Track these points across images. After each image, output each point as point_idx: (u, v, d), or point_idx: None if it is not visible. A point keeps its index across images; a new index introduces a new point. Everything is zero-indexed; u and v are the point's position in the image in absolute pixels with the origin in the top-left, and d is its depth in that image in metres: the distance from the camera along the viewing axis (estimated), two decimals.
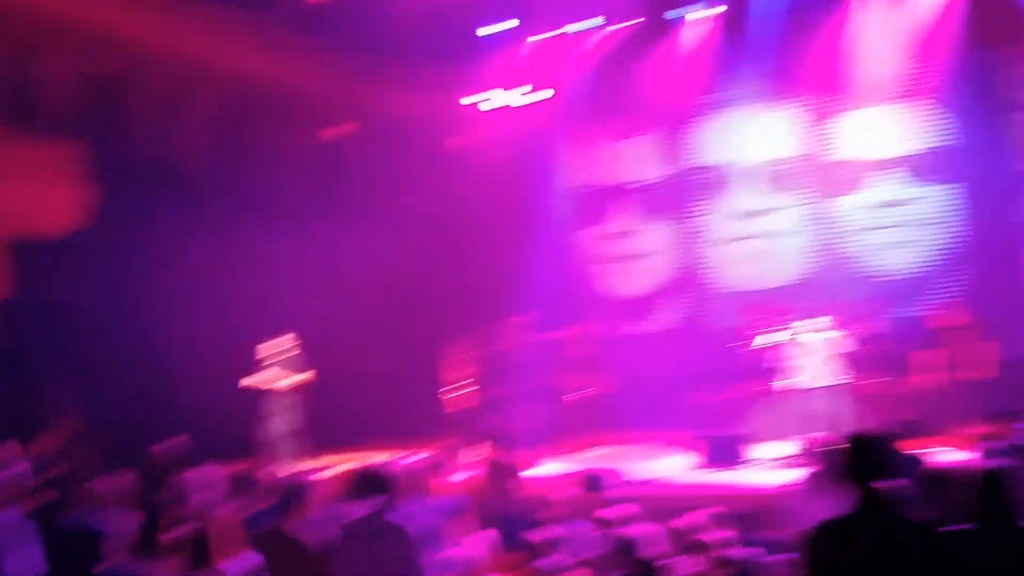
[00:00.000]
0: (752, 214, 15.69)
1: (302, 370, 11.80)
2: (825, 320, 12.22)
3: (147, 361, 13.30)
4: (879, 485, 3.65)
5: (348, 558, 5.24)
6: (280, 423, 11.69)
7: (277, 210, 14.72)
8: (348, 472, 6.81)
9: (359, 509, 5.70)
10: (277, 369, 11.77)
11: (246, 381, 11.65)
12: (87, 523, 4.99)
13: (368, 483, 5.45)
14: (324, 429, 13.77)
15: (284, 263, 14.65)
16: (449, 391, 13.02)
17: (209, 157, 14.27)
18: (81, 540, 4.82)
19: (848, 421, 10.67)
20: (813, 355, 11.52)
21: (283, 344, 11.82)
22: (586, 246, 16.79)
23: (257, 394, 11.77)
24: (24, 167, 12.64)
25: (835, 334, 11.87)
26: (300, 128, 15.42)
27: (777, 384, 11.50)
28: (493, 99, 15.97)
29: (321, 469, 8.95)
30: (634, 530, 6.63)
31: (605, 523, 6.91)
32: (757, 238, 15.67)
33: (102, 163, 13.34)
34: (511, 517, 8.12)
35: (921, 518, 3.76)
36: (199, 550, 5.14)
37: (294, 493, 5.65)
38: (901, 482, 3.75)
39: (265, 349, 11.83)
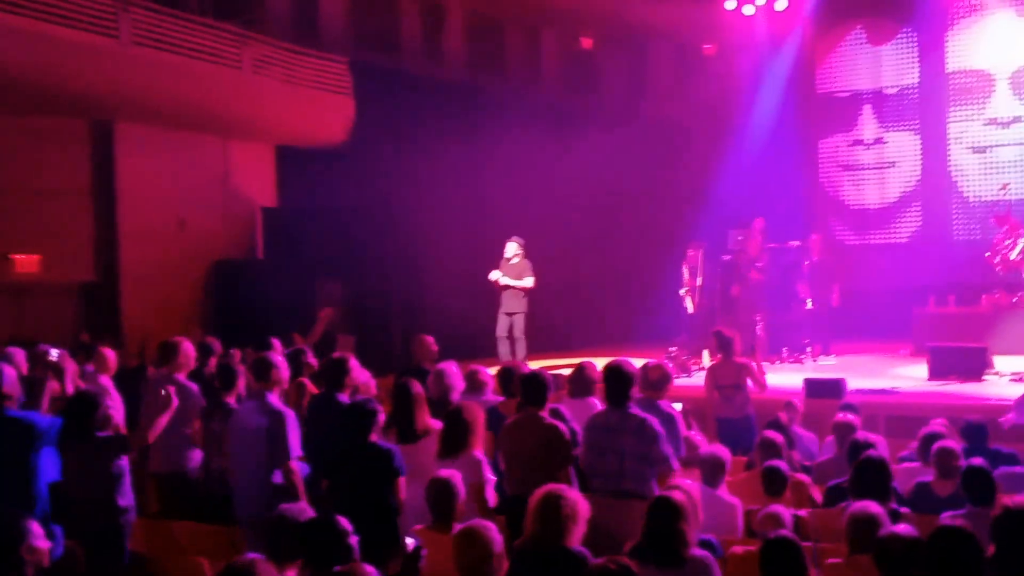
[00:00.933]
0: (1011, 122, 14.98)
1: (534, 273, 12.09)
2: None
3: (403, 262, 14.19)
4: None
5: (598, 448, 5.71)
6: (512, 323, 12.07)
7: (529, 117, 15.22)
8: (589, 369, 7.21)
9: (599, 406, 6.16)
10: (514, 269, 12.08)
11: (492, 276, 12.02)
12: (361, 402, 5.79)
13: (613, 380, 5.76)
14: (551, 332, 14.57)
15: (532, 170, 15.25)
16: (683, 295, 13.24)
17: (466, 67, 14.92)
18: (357, 415, 5.61)
19: None
20: None
21: (518, 247, 12.13)
22: (833, 153, 16.52)
23: (496, 292, 12.18)
24: (299, 78, 13.57)
25: None
26: (552, 37, 15.76)
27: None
28: (755, 2, 15.60)
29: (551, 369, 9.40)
30: (863, 437, 6.82)
31: (837, 429, 7.07)
32: (1011, 146, 14.99)
33: (369, 76, 14.16)
34: (740, 421, 8.48)
35: None
36: (458, 437, 5.67)
37: (537, 387, 5.98)
38: None
39: (508, 250, 12.15)
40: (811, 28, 15.95)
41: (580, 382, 7.06)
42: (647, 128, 16.17)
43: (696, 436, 7.14)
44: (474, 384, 7.41)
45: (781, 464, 6.21)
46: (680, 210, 15.76)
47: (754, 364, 8.94)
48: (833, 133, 16.48)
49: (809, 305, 13.30)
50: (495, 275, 12.04)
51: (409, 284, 14.26)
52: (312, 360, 7.88)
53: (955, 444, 6.32)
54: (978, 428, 6.96)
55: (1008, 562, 3.95)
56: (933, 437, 6.51)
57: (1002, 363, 11.20)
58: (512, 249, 12.10)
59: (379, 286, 13.94)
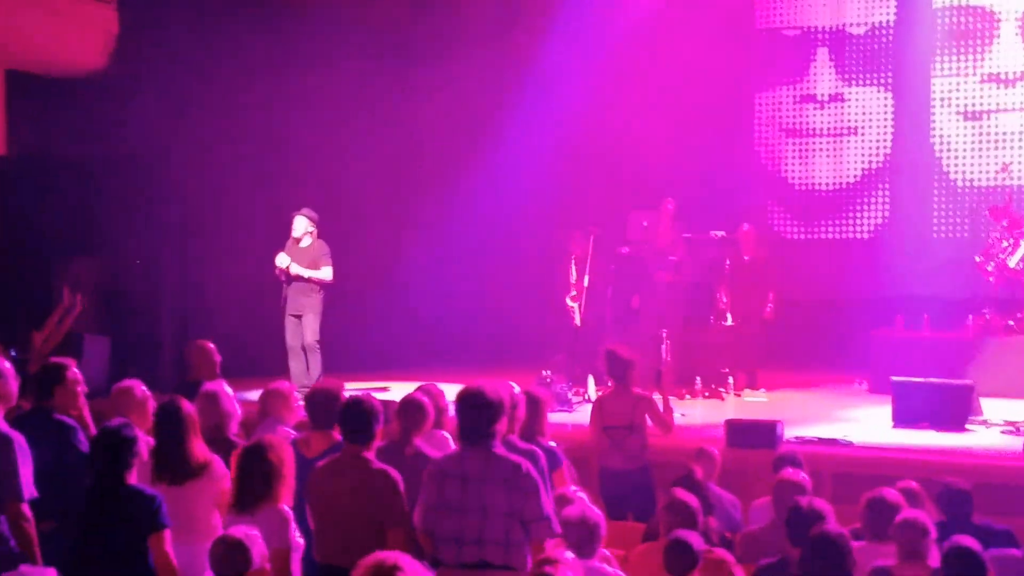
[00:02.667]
0: (1018, 79, 15.52)
1: (332, 261, 12.34)
2: None
3: (182, 235, 14.26)
4: None
5: (450, 504, 5.77)
6: (303, 328, 12.31)
7: (364, 42, 15.47)
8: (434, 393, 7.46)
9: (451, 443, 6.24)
10: (307, 255, 12.31)
11: (279, 260, 12.28)
12: (113, 428, 5.95)
13: (470, 408, 5.84)
14: (376, 343, 14.76)
15: (363, 115, 15.45)
16: (568, 300, 13.38)
17: None
18: (105, 445, 5.92)
19: None
20: None
21: (308, 222, 12.35)
22: (775, 112, 16.86)
23: (281, 284, 12.38)
24: None
25: None
26: None
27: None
28: None
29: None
30: (808, 501, 6.85)
31: (778, 491, 7.18)
32: (1016, 112, 15.53)
33: None
34: (634, 473, 8.66)
35: None
36: (258, 483, 5.89)
37: (361, 416, 6.17)
38: None
39: (296, 227, 12.36)
40: None
41: (419, 411, 7.12)
42: (519, 64, 16.12)
43: (572, 492, 7.08)
44: (274, 410, 7.71)
45: (692, 536, 6.22)
46: (564, 181, 15.88)
47: (657, 397, 9.21)
48: (776, 85, 16.80)
49: (729, 321, 13.62)
50: (282, 260, 12.30)
51: (188, 267, 14.36)
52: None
53: (923, 515, 6.41)
54: (960, 495, 7.10)
55: None
56: (886, 505, 6.60)
57: (992, 407, 11.55)
58: (302, 226, 12.35)
59: (145, 269, 13.99)
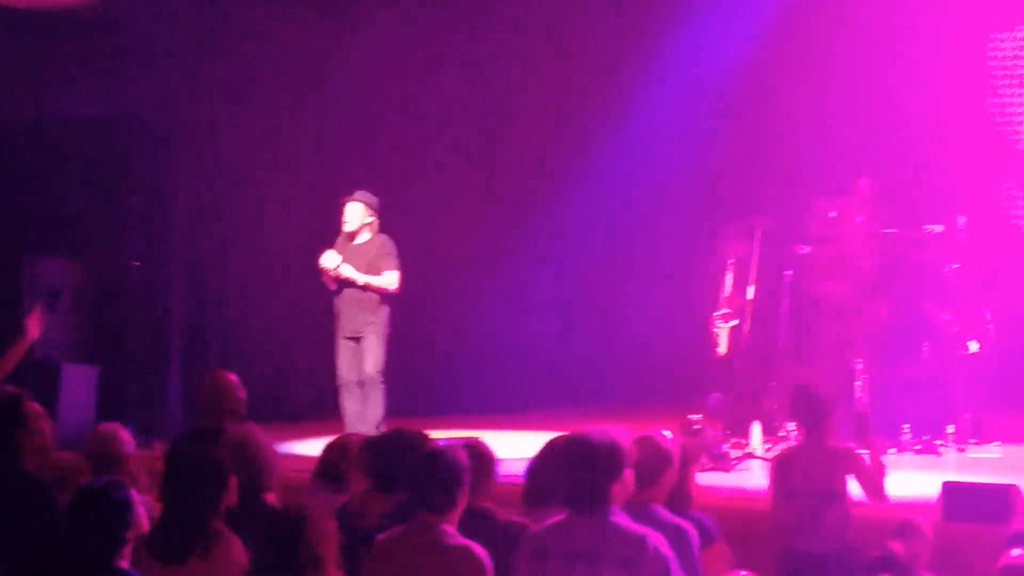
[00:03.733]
0: None
1: (400, 265, 12.36)
2: None
3: (196, 229, 14.49)
4: None
5: None
6: (363, 354, 12.34)
7: None
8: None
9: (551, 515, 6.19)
10: (364, 253, 12.36)
11: (326, 260, 12.28)
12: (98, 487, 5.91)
13: (579, 464, 5.87)
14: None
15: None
16: (718, 321, 13.41)
17: None
18: (86, 514, 5.83)
19: None
20: None
21: (367, 210, 12.37)
22: (1013, 63, 16.83)
23: (330, 294, 12.46)
24: None
25: None
26: None
27: None
28: None
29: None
30: None
31: None
32: None
33: None
34: (818, 553, 8.62)
35: None
36: (294, 558, 5.85)
37: (441, 475, 6.21)
38: None
39: (349, 216, 12.38)
40: None
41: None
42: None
43: None
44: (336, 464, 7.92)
45: None
46: (717, 159, 16.07)
47: (865, 454, 9.15)
48: (1018, 25, 16.72)
49: (975, 348, 13.56)
50: (330, 260, 12.26)
51: (202, 273, 14.53)
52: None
53: None
54: None
55: None
56: None
57: None
58: (357, 216, 12.36)
59: (146, 273, 13.86)
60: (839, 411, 9.33)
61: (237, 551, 6.39)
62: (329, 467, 8.07)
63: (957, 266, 13.61)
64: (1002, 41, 16.86)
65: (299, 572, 5.77)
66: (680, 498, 7.52)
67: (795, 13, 16.22)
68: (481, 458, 7.43)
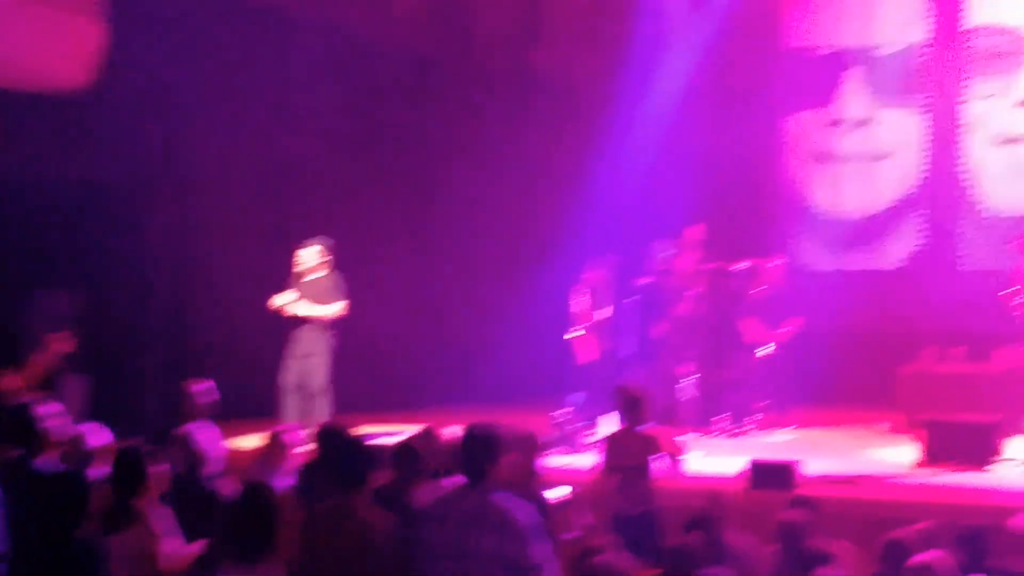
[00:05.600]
0: None
1: (347, 295, 12.08)
2: None
3: (170, 266, 13.93)
4: None
5: (440, 549, 5.74)
6: (310, 370, 12.08)
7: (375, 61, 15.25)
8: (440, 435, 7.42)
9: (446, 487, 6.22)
10: (315, 289, 12.07)
11: (279, 300, 12.01)
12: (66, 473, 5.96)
13: (470, 447, 5.80)
14: (380, 384, 14.61)
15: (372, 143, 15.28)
16: (574, 333, 13.52)
17: None
18: (54, 493, 5.75)
19: None
20: None
21: (320, 253, 12.10)
22: (803, 137, 17.11)
23: (284, 323, 12.16)
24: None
25: None
26: None
27: None
28: None
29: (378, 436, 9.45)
30: (812, 544, 7.08)
31: (786, 532, 7.36)
32: None
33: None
34: (631, 515, 8.67)
35: None
36: (254, 535, 5.52)
37: (354, 461, 6.17)
38: None
39: (303, 259, 12.09)
40: None
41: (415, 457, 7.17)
42: (538, 87, 16.30)
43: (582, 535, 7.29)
44: (275, 452, 7.76)
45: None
46: (579, 210, 15.92)
47: (668, 437, 9.21)
48: (803, 108, 17.04)
49: (770, 348, 13.80)
50: (284, 298, 12.00)
51: (177, 300, 14.06)
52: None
53: (940, 558, 6.59)
54: (976, 536, 7.31)
55: None
56: (905, 547, 6.77)
57: (1017, 446, 11.74)
58: (310, 258, 12.06)
59: (130, 302, 13.63)
60: (660, 405, 9.45)
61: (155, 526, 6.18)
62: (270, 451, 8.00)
63: (770, 291, 13.79)
64: (796, 121, 17.11)
65: (256, 545, 5.52)
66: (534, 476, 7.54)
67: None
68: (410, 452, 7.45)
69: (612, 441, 9.18)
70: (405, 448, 7.07)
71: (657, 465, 8.91)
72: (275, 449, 7.91)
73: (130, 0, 13.44)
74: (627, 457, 8.89)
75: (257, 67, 14.22)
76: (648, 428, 9.03)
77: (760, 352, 13.77)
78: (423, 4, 16.15)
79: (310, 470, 7.49)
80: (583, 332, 13.52)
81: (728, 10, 16.49)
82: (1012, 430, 11.94)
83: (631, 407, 9.02)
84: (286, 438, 8.02)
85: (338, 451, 6.38)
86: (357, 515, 6.02)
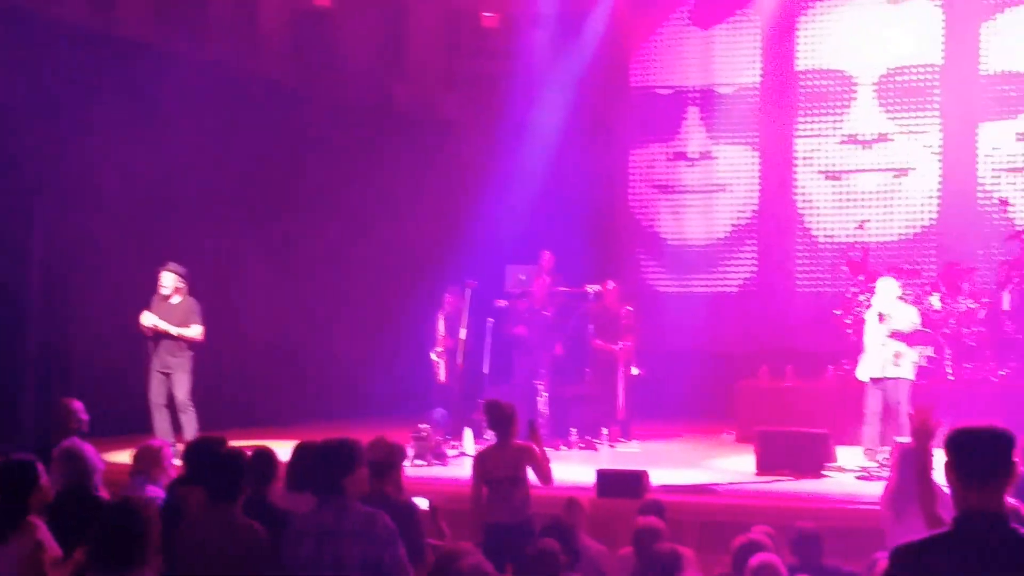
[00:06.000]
0: (874, 141, 16.24)
1: (203, 319, 11.97)
2: (937, 291, 13.35)
3: (45, 281, 13.52)
4: (986, 494, 3.97)
5: (308, 561, 5.72)
6: (172, 385, 11.92)
7: (240, 92, 15.04)
8: (303, 449, 7.29)
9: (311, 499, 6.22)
10: (176, 312, 11.94)
11: (144, 320, 11.82)
12: None
13: (325, 461, 5.85)
14: (248, 401, 14.43)
15: (242, 165, 15.04)
16: (433, 355, 13.60)
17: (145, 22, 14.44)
18: None
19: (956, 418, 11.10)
20: (911, 332, 12.00)
21: (177, 279, 11.98)
22: (648, 170, 17.35)
23: (149, 340, 11.97)
24: None
25: (939, 305, 13.13)
26: None
27: (873, 369, 11.93)
28: None
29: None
30: (664, 547, 7.16)
31: (637, 538, 7.40)
32: (873, 172, 16.22)
33: None
34: (508, 524, 8.52)
35: None
36: (123, 546, 5.37)
37: (230, 471, 6.06)
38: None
39: (163, 283, 11.93)
40: (626, 3, 16.72)
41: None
42: (400, 119, 16.31)
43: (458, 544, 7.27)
44: (147, 466, 7.47)
45: None
46: (440, 237, 16.03)
47: (536, 449, 9.13)
48: (649, 143, 17.31)
49: (635, 371, 13.91)
50: (148, 319, 11.86)
51: (52, 319, 13.66)
52: None
53: (779, 558, 6.74)
54: (811, 538, 7.37)
55: None
56: (749, 548, 6.91)
57: (847, 455, 11.98)
58: (169, 282, 11.96)
59: (5, 320, 13.14)
60: (522, 419, 9.51)
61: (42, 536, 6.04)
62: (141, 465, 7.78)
63: (613, 312, 13.83)
64: (643, 155, 17.39)
65: (127, 554, 5.37)
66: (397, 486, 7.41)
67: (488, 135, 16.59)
68: (266, 459, 7.52)
69: (486, 454, 9.17)
70: (260, 455, 6.94)
71: (530, 475, 8.83)
72: (145, 463, 7.67)
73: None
74: (502, 468, 8.75)
75: (132, 95, 13.89)
76: (520, 441, 9.06)
77: (610, 370, 13.81)
78: (289, 38, 16.03)
79: (181, 483, 7.34)
80: (444, 352, 13.54)
81: (583, 52, 16.72)
82: (839, 441, 12.22)
83: (504, 422, 8.93)
84: (156, 453, 7.78)
85: (209, 465, 6.22)
86: (231, 526, 5.93)
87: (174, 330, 11.84)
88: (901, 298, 12.21)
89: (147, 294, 12.16)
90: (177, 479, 7.66)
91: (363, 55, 16.38)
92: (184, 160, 14.26)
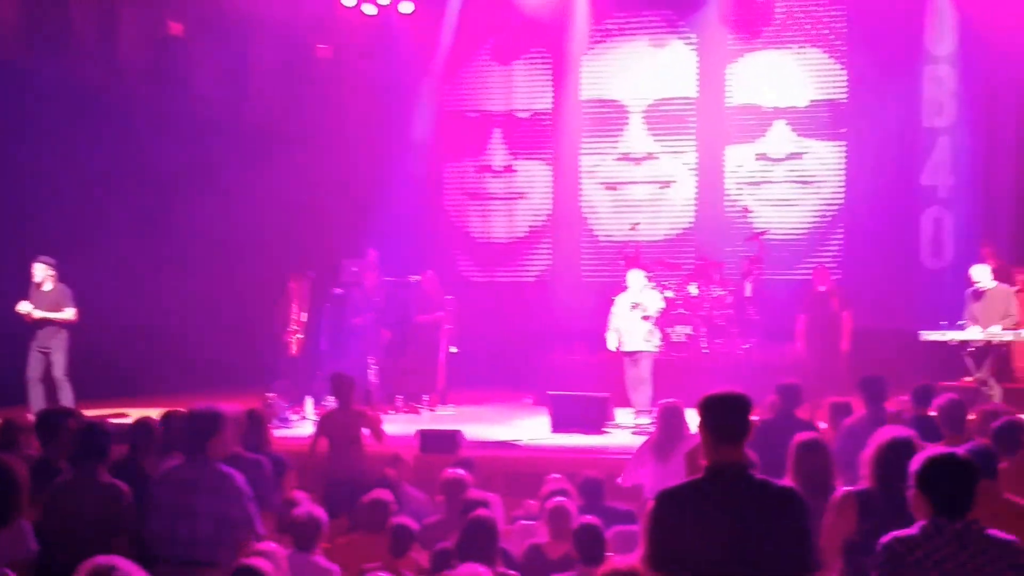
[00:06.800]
0: (643, 159, 16.49)
1: (75, 302, 11.63)
2: (694, 280, 13.73)
3: None
4: (731, 448, 4.09)
5: (167, 508, 5.66)
6: (50, 363, 11.58)
7: (104, 111, 14.43)
8: (172, 416, 7.20)
9: (178, 458, 6.10)
10: (49, 298, 11.58)
11: (21, 307, 11.46)
12: None
13: (191, 425, 5.79)
14: (115, 373, 13.77)
15: (105, 177, 14.50)
16: (285, 335, 13.32)
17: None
18: None
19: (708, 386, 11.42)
20: (662, 315, 12.36)
21: (47, 268, 11.63)
22: (461, 180, 17.34)
23: (28, 326, 11.60)
24: None
25: (696, 292, 13.57)
26: (132, 17, 14.96)
27: (636, 344, 12.16)
28: (378, 2, 16.14)
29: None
30: (477, 495, 7.22)
31: (447, 486, 7.44)
32: (642, 184, 16.51)
33: None
34: (344, 479, 8.61)
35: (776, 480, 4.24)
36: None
37: (93, 439, 5.93)
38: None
39: (36, 274, 11.57)
40: (441, 37, 16.60)
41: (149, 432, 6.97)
42: (245, 133, 16.00)
43: (299, 497, 7.22)
44: (9, 435, 7.17)
45: (408, 522, 6.47)
46: (285, 233, 15.77)
47: (371, 413, 9.28)
48: (461, 157, 17.29)
49: (420, 348, 13.90)
50: (24, 307, 11.49)
51: None
52: None
53: (571, 502, 6.87)
54: (594, 484, 7.51)
55: None
56: (551, 495, 7.03)
57: (624, 415, 12.23)
58: (41, 273, 11.59)
59: None
60: (359, 387, 9.48)
61: None
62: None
63: (451, 297, 13.96)
64: (455, 168, 17.40)
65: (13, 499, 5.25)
66: (259, 445, 7.50)
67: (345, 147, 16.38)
68: (259, 420, 7.59)
69: (329, 415, 9.13)
70: (139, 425, 6.83)
71: (365, 436, 8.93)
72: (15, 431, 7.24)
73: None
74: (342, 431, 8.85)
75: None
76: (357, 406, 9.05)
77: (431, 347, 13.86)
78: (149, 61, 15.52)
79: (53, 448, 7.05)
80: (289, 330, 13.31)
81: (402, 77, 16.64)
82: (617, 404, 12.43)
83: (344, 390, 9.01)
84: (28, 421, 7.39)
85: (78, 431, 6.10)
86: (96, 484, 5.83)
87: (49, 315, 11.49)
88: (648, 288, 12.50)
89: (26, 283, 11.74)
90: (50, 443, 7.37)
91: (212, 78, 15.96)
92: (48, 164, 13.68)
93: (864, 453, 5.15)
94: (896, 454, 4.91)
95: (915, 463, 4.18)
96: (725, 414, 4.18)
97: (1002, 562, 3.99)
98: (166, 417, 7.24)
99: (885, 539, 4.09)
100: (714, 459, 4.17)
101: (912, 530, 4.07)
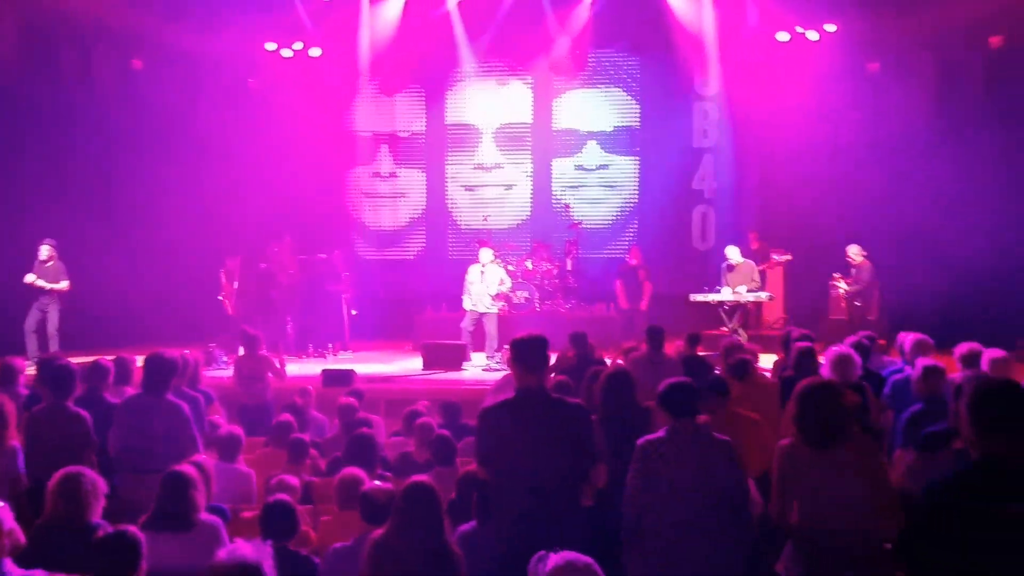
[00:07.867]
0: (493, 167, 16.52)
1: (68, 276, 11.56)
2: (530, 258, 13.72)
3: None
4: (534, 375, 4.15)
5: (127, 428, 5.57)
6: (46, 319, 11.44)
7: (79, 132, 13.88)
8: (121, 359, 7.07)
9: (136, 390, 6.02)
10: (50, 272, 11.47)
11: (28, 278, 11.35)
12: None
13: (152, 367, 5.73)
14: (91, 328, 13.12)
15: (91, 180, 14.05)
16: (221, 299, 13.13)
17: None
18: None
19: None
20: (506, 284, 12.52)
21: (50, 249, 11.51)
22: (358, 182, 17.03)
23: (33, 292, 11.44)
24: None
25: (531, 266, 13.74)
26: (104, 53, 14.47)
27: (484, 308, 12.30)
28: (292, 48, 15.85)
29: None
30: (364, 416, 7.28)
31: (341, 411, 7.50)
32: (492, 187, 16.56)
33: None
34: (259, 407, 8.65)
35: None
36: None
37: (63, 377, 5.82)
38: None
39: (41, 253, 11.48)
40: (341, 73, 16.28)
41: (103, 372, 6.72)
42: (192, 145, 15.55)
43: (219, 419, 7.16)
44: (8, 375, 6.99)
45: (304, 437, 6.47)
46: (223, 223, 15.28)
47: (276, 359, 9.15)
48: (358, 165, 17.03)
49: (353, 312, 13.78)
50: (30, 278, 11.43)
51: None
52: None
53: (433, 420, 6.97)
54: (453, 407, 7.63)
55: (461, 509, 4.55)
56: (415, 414, 7.12)
57: (478, 358, 12.41)
58: (45, 252, 11.52)
59: None
60: (272, 340, 9.33)
61: None
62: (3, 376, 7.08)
63: (348, 274, 13.69)
64: (354, 173, 17.06)
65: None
66: (195, 382, 7.39)
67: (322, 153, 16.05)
68: (196, 364, 7.25)
69: (240, 361, 9.04)
70: (95, 366, 6.62)
71: (269, 374, 8.85)
72: (13, 372, 7.08)
73: None
74: (250, 370, 8.77)
75: None
76: (262, 352, 8.97)
77: (336, 308, 13.69)
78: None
79: (36, 385, 6.90)
80: (224, 297, 13.13)
81: (313, 104, 16.30)
82: (475, 349, 12.54)
83: (250, 341, 8.93)
84: (18, 364, 7.20)
85: (52, 371, 5.95)
86: (65, 413, 5.76)
87: (48, 285, 11.47)
88: (493, 263, 12.62)
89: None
90: (34, 382, 7.21)
91: (165, 102, 15.41)
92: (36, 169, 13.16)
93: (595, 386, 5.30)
94: (619, 384, 5.12)
95: (659, 388, 4.40)
96: (528, 351, 4.29)
97: (723, 455, 4.25)
98: (118, 360, 7.09)
99: (640, 441, 4.30)
100: (522, 385, 4.29)
101: (660, 433, 4.29)
